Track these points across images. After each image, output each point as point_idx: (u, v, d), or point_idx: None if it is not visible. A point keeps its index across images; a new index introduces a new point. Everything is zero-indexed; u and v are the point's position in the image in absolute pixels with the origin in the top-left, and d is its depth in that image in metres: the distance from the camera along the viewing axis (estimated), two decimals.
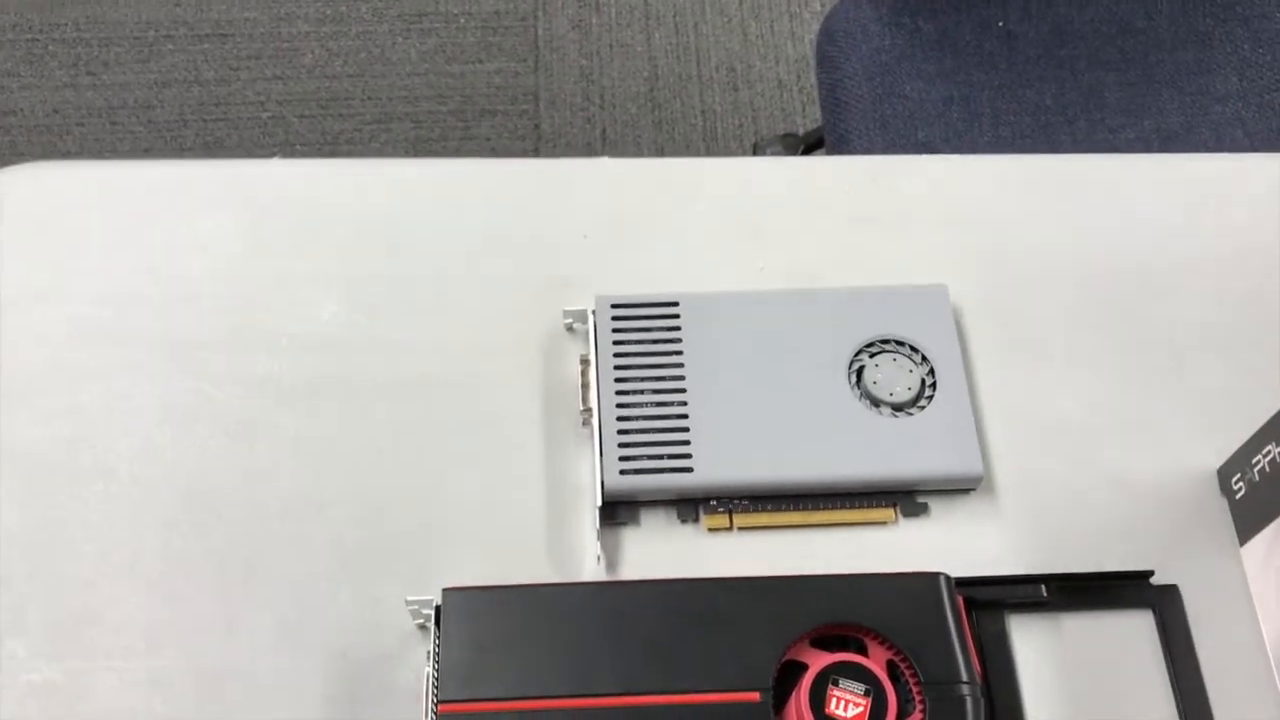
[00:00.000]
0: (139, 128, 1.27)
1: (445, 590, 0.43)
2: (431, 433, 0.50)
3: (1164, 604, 0.47)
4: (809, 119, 1.28)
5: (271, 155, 1.20)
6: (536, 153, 1.24)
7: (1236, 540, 0.48)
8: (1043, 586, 0.46)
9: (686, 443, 0.48)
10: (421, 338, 0.52)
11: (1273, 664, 0.46)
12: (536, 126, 1.27)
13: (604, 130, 1.27)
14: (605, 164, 0.57)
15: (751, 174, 0.57)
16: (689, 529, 0.48)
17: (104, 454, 0.49)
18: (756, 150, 1.21)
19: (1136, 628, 0.46)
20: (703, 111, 1.28)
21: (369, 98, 1.29)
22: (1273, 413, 0.45)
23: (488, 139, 1.27)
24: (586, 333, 0.51)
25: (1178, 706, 0.45)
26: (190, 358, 0.51)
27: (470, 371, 0.51)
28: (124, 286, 0.53)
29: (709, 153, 1.25)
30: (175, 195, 0.55)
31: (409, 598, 0.44)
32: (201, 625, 0.45)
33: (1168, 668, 0.46)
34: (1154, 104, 0.86)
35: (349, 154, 1.24)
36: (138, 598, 0.46)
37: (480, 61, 1.31)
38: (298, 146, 1.26)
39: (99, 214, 0.54)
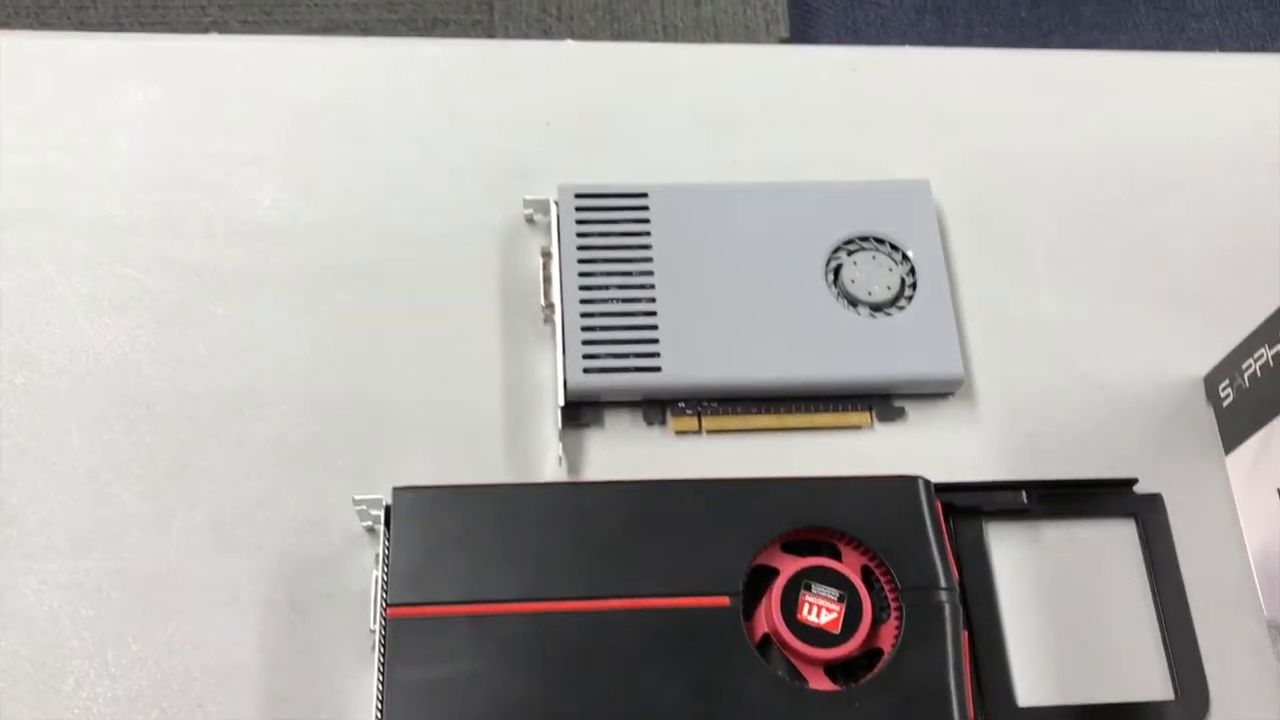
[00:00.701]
0: (70, 29, 1.20)
1: (396, 489, 0.40)
2: (381, 327, 0.47)
3: (1146, 513, 0.45)
4: (772, 36, 1.24)
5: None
6: None
7: (1222, 449, 0.46)
8: (1023, 493, 0.44)
9: (654, 341, 0.45)
10: (370, 226, 0.48)
11: (1256, 576, 0.44)
12: (490, 37, 1.22)
13: None
14: (569, 47, 0.53)
15: (724, 61, 0.53)
16: (655, 432, 0.46)
17: (25, 343, 0.45)
18: None
19: (1118, 537, 0.45)
20: (664, 26, 1.24)
21: (315, 4, 1.23)
22: (1263, 318, 0.44)
23: None
24: (548, 224, 0.48)
25: (1158, 617, 0.43)
26: (119, 242, 0.47)
27: (423, 263, 0.48)
28: (48, 166, 0.49)
29: None
30: (105, 69, 0.51)
31: (356, 496, 0.41)
32: (130, 525, 0.42)
33: (1149, 578, 0.44)
34: (1130, 19, 0.84)
35: None
36: (61, 496, 0.43)
37: None
38: None
39: (22, 88, 0.50)
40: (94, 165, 0.49)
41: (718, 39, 1.24)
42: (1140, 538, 0.45)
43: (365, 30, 1.22)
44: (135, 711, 0.40)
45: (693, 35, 1.24)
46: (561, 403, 0.44)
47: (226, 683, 0.40)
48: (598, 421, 0.46)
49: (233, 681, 0.40)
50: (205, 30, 1.21)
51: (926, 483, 0.42)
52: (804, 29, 0.81)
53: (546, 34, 1.23)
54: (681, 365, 0.45)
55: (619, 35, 1.23)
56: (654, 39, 1.23)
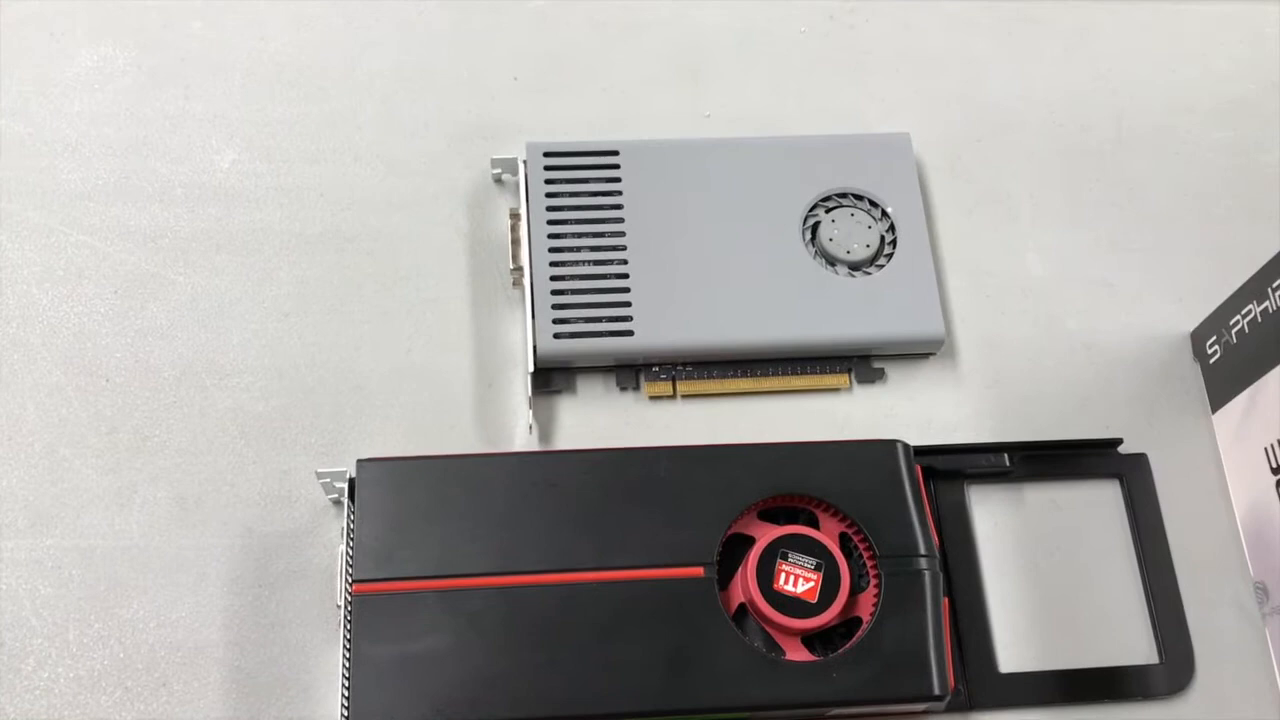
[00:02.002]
0: None
1: (360, 461, 0.39)
2: (345, 293, 0.45)
3: (1131, 474, 0.44)
4: None
5: None
6: None
7: (1209, 407, 0.45)
8: (1005, 455, 0.43)
9: (626, 304, 0.44)
10: (332, 188, 0.47)
11: (1242, 536, 0.43)
12: None
13: None
14: None
15: (697, 11, 0.52)
16: (629, 397, 0.45)
17: None
18: None
19: (1102, 498, 0.44)
20: None
21: None
22: (1252, 272, 0.42)
23: None
24: (516, 184, 0.46)
25: (1143, 580, 0.43)
26: (74, 208, 0.46)
27: (388, 226, 0.46)
28: None
29: None
30: (57, 29, 0.49)
31: (320, 469, 0.40)
32: (90, 501, 0.41)
33: (1134, 540, 0.43)
34: None
35: None
36: (18, 471, 0.42)
37: None
38: None
39: None
40: (46, 130, 0.47)
41: None
42: (1125, 499, 0.44)
43: None
44: (98, 691, 0.39)
45: None
46: (531, 368, 0.43)
47: (191, 660, 0.39)
48: (569, 387, 0.44)
49: (198, 659, 0.39)
50: None
51: (906, 446, 0.41)
52: None
53: None
54: (655, 328, 0.44)
55: None
56: None
